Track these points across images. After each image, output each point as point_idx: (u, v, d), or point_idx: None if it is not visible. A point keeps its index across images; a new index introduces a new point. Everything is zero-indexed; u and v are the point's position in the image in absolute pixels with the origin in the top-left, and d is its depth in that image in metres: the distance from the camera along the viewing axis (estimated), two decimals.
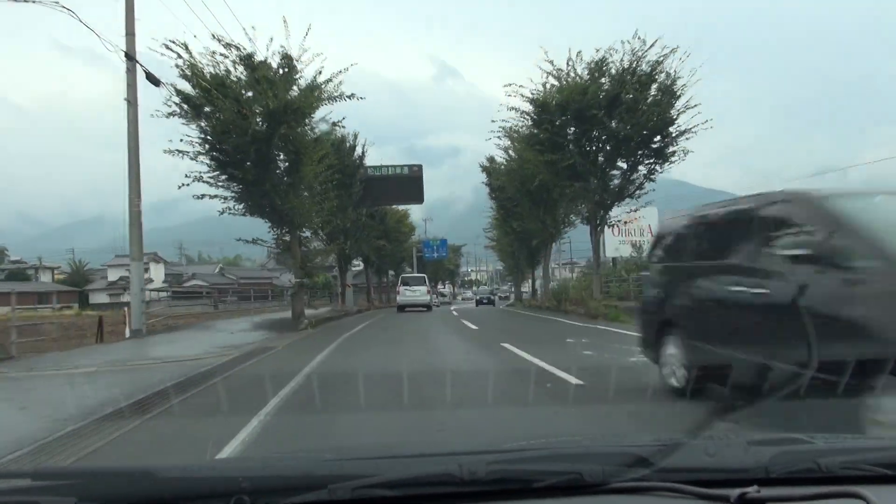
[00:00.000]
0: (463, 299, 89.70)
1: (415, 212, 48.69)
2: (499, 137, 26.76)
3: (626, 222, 26.43)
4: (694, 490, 1.41)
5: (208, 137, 15.01)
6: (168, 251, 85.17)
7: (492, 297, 44.39)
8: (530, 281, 47.26)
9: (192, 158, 15.93)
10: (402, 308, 28.87)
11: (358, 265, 45.99)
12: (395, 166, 30.98)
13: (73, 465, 3.86)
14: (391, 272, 54.57)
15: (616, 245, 49.42)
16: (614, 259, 45.06)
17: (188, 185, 15.73)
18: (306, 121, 16.71)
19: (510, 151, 29.77)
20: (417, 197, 31.47)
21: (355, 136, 27.21)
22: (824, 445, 1.70)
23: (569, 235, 32.47)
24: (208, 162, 16.14)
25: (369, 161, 29.12)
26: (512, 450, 1.77)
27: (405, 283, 31.41)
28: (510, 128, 23.01)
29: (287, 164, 17.20)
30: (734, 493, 1.35)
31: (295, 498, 1.37)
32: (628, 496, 1.45)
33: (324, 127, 18.34)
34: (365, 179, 28.47)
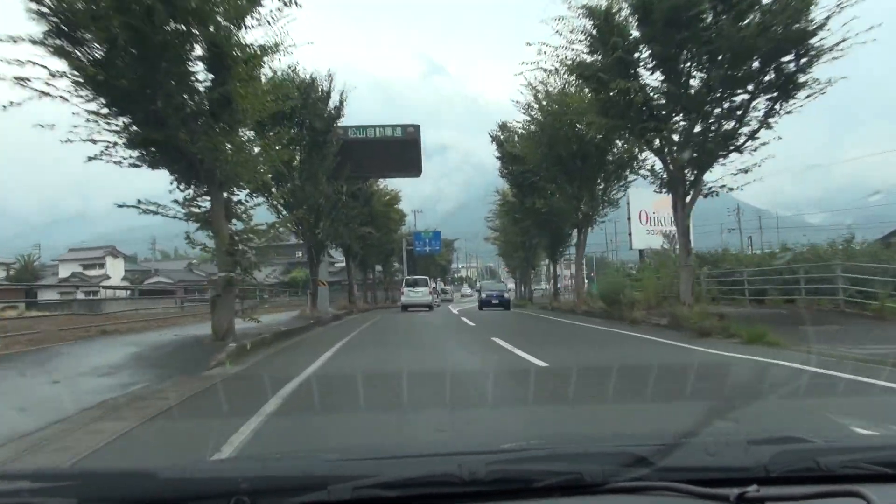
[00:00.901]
0: (462, 296, 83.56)
1: (402, 202, 42.60)
2: (521, 91, 21.96)
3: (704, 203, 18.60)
4: (694, 489, 1.41)
5: (42, 9, 8.78)
6: (147, 249, 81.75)
7: (506, 297, 30.91)
8: (546, 278, 39.25)
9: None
10: (405, 308, 30.43)
11: (340, 261, 38.24)
12: (384, 126, 22.49)
13: (72, 467, 3.75)
14: (378, 267, 49.19)
15: (643, 235, 40.97)
16: (641, 252, 38.93)
17: (20, 103, 9.11)
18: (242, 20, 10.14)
19: (532, 112, 24.00)
20: (413, 167, 23.29)
21: (330, 79, 21.31)
22: (824, 444, 1.70)
23: (611, 217, 24.34)
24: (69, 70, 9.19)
25: (350, 119, 21.09)
26: (512, 450, 1.77)
27: (409, 285, 33.17)
28: (554, 52, 16.42)
29: (211, 81, 10.60)
30: (734, 492, 1.36)
31: (294, 498, 1.37)
32: (628, 496, 1.44)
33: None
34: (344, 142, 22.40)
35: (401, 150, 22.72)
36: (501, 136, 28.85)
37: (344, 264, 38.11)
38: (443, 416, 5.17)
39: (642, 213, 39.77)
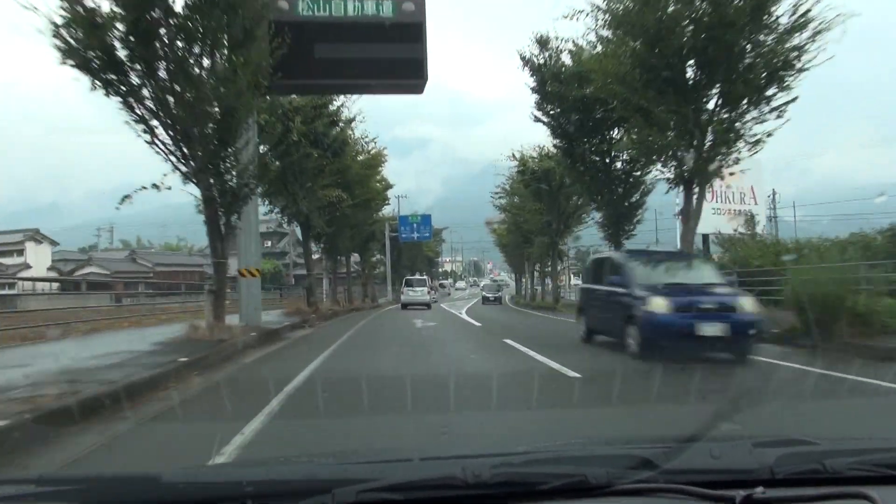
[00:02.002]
0: (457, 289, 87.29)
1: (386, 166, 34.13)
2: None
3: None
4: (699, 492, 1.43)
5: None
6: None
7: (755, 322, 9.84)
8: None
9: None
10: (405, 306, 32.68)
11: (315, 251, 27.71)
12: None
13: (77, 471, 3.73)
14: (356, 256, 39.56)
15: (708, 215, 30.81)
16: (706, 237, 29.02)
17: None
18: None
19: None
20: (411, 72, 11.00)
21: None
22: (829, 446, 1.72)
23: None
24: None
25: None
26: (516, 453, 1.75)
27: (409, 285, 35.03)
28: None
29: None
30: (739, 494, 1.38)
31: (298, 502, 1.39)
32: (633, 498, 1.46)
33: None
34: (288, 25, 13.00)
35: (391, 42, 11.15)
36: (540, 59, 17.77)
37: (317, 255, 27.46)
38: None
39: (707, 185, 26.90)
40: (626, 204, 21.54)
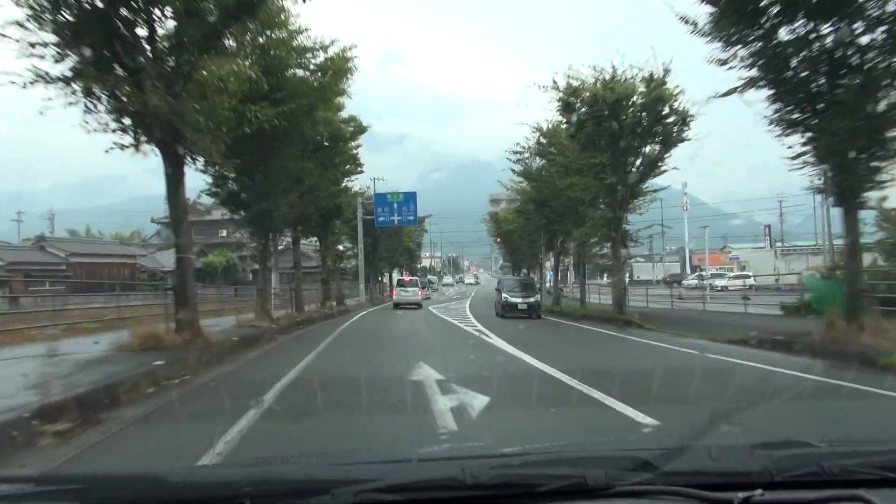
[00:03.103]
0: (444, 285, 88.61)
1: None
2: None
3: None
4: (698, 494, 1.40)
5: None
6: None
7: None
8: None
9: None
10: (397, 305, 37.83)
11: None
12: None
13: (77, 471, 3.73)
14: (313, 240, 31.17)
15: None
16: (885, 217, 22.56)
17: None
18: None
19: None
20: None
21: None
22: (828, 449, 1.69)
23: None
24: None
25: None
26: (515, 454, 1.74)
27: (401, 285, 39.46)
28: None
29: None
30: (738, 496, 1.35)
31: (297, 502, 1.38)
32: (632, 500, 1.43)
33: None
34: None
35: None
36: None
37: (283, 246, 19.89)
38: None
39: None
40: (874, 112, 10.79)
